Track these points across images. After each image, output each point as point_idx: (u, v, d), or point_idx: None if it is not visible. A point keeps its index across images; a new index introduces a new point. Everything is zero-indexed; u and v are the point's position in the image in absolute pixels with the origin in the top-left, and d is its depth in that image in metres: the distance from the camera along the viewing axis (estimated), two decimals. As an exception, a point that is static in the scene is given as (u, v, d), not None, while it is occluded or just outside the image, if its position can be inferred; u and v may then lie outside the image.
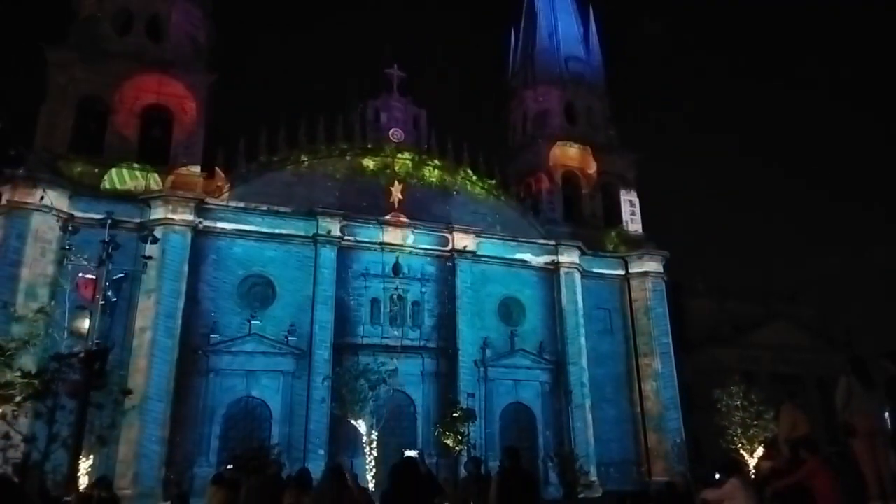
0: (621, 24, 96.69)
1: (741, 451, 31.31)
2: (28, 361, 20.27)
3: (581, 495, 28.67)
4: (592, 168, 42.11)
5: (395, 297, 33.45)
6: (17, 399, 18.43)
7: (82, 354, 16.05)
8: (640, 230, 41.53)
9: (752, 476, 21.14)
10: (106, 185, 30.19)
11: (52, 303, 24.26)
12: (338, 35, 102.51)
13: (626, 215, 41.86)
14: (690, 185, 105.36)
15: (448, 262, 35.18)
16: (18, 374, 18.55)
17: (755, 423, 31.69)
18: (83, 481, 19.28)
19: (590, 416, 34.99)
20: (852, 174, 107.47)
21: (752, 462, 29.97)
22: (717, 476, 11.67)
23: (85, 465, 21.82)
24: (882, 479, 7.41)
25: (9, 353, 18.87)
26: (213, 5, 37.80)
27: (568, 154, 41.81)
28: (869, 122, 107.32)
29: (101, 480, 14.48)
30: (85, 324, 17.52)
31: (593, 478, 32.45)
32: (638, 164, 43.80)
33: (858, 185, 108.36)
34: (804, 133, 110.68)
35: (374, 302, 33.35)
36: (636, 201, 42.53)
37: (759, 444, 30.35)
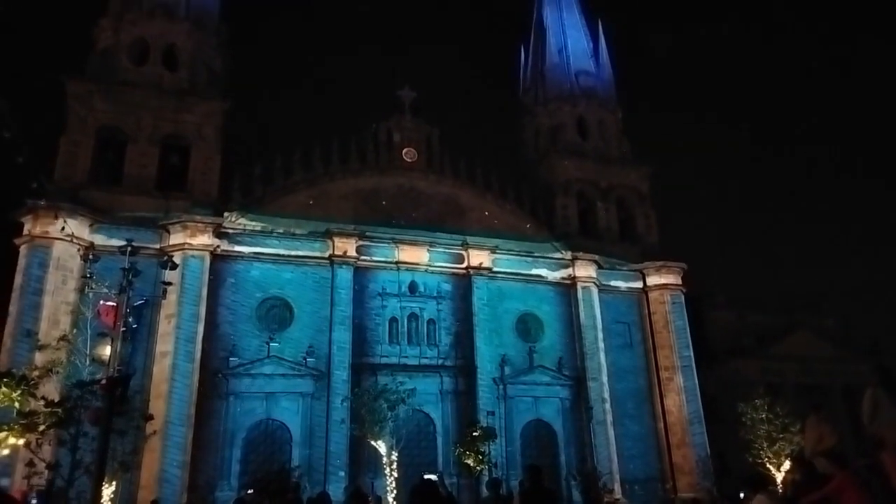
0: (631, 37, 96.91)
1: (768, 465, 30.73)
2: (51, 389, 20.52)
3: (605, 513, 28.26)
4: (606, 182, 42.05)
5: (411, 315, 33.47)
6: (41, 427, 18.62)
7: (104, 381, 16.20)
8: (657, 242, 41.28)
9: (780, 491, 20.73)
10: (125, 213, 30.65)
11: (74, 330, 24.58)
12: (349, 58, 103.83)
13: (641, 228, 41.68)
14: (707, 197, 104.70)
15: (464, 279, 35.17)
16: (42, 402, 18.77)
17: (781, 436, 31.12)
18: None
19: (612, 432, 34.56)
20: (873, 181, 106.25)
21: (779, 476, 29.41)
22: (742, 495, 11.48)
23: (108, 491, 21.96)
24: (913, 492, 7.23)
25: (32, 381, 19.12)
26: (227, 33, 38.53)
27: (581, 168, 41.79)
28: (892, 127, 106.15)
29: None
30: (106, 350, 17.70)
31: (618, 496, 31.97)
32: (652, 177, 43.66)
33: (881, 192, 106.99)
34: (822, 141, 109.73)
35: (392, 321, 33.39)
36: (652, 214, 42.34)
37: (786, 458, 29.77)
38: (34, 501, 15.79)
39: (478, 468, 28.54)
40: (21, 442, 18.56)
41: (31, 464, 19.11)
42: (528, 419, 34.22)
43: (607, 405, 34.96)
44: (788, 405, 32.69)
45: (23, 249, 28.20)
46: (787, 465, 29.07)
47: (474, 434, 29.23)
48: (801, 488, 10.17)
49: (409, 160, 37.04)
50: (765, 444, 31.38)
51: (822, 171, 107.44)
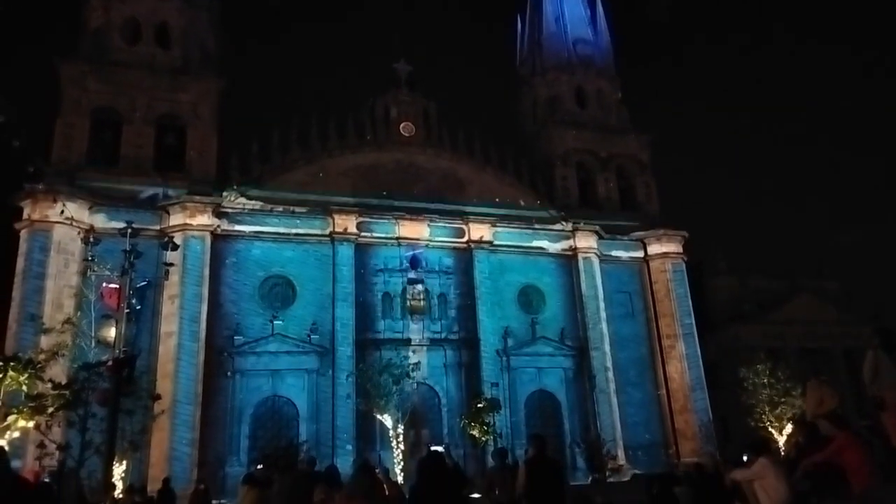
0: (630, 3, 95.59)
1: (770, 429, 31.08)
2: (58, 372, 20.70)
3: (610, 479, 28.60)
4: (606, 151, 41.81)
5: (414, 290, 33.58)
6: (50, 410, 18.81)
7: (110, 362, 16.34)
8: (658, 211, 41.20)
9: (782, 454, 20.99)
10: (123, 195, 30.58)
11: (78, 313, 24.71)
12: (344, 32, 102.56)
13: (642, 197, 41.56)
14: (707, 164, 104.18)
15: (465, 253, 35.21)
16: (49, 385, 18.93)
17: (783, 399, 31.44)
18: (118, 486, 19.65)
19: (615, 400, 34.92)
20: (876, 146, 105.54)
21: (781, 439, 29.76)
22: (745, 458, 11.61)
23: (119, 470, 22.25)
24: (913, 452, 7.32)
25: (39, 365, 19.26)
26: (219, 10, 38.01)
27: (580, 138, 41.53)
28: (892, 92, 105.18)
29: (132, 488, 14.80)
30: (111, 332, 17.83)
31: (621, 461, 32.37)
32: (652, 145, 43.39)
33: (882, 157, 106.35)
34: (823, 107, 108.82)
35: (394, 297, 33.50)
36: (652, 182, 42.17)
37: (788, 421, 30.11)
38: (47, 481, 16.04)
39: (483, 439, 28.91)
40: (31, 424, 18.77)
41: (41, 445, 19.37)
42: (532, 389, 34.55)
43: (610, 374, 35.27)
44: (790, 369, 32.97)
45: (23, 234, 28.21)
46: (788, 428, 29.42)
47: (479, 405, 29.57)
48: (803, 450, 10.29)
49: (406, 135, 36.82)
50: (766, 409, 31.71)
51: (824, 134, 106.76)
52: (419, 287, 33.69)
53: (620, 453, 32.91)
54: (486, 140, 38.46)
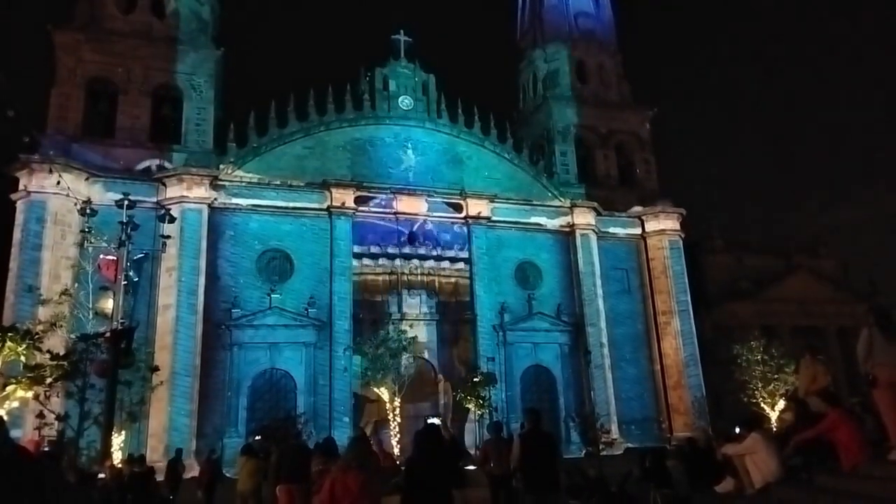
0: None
1: (762, 405, 31.42)
2: (56, 342, 20.76)
3: (603, 453, 28.99)
4: (606, 127, 41.56)
5: (412, 266, 33.60)
6: (49, 380, 18.91)
7: (108, 334, 16.39)
8: (656, 188, 41.10)
9: (774, 430, 21.25)
10: (120, 166, 30.41)
11: (76, 285, 24.72)
12: (342, 3, 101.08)
13: (641, 173, 41.41)
14: (707, 141, 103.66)
15: (463, 228, 35.16)
16: (48, 355, 19.00)
17: (776, 376, 31.71)
18: (117, 456, 19.85)
19: (610, 376, 35.22)
20: (873, 123, 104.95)
21: (773, 415, 30.11)
22: (738, 430, 11.76)
23: (117, 440, 22.47)
24: (903, 428, 7.42)
25: (37, 336, 19.31)
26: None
27: (580, 114, 41.26)
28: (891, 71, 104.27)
29: (132, 457, 14.96)
30: (109, 304, 17.85)
31: (615, 436, 32.77)
32: (652, 121, 43.13)
33: (879, 134, 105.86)
34: (822, 84, 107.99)
35: (392, 271, 33.51)
36: (651, 159, 42.00)
37: (780, 398, 30.42)
38: (46, 449, 16.19)
39: (479, 412, 29.18)
40: (30, 394, 18.89)
41: (40, 415, 19.51)
42: (528, 364, 34.80)
43: (605, 349, 35.51)
44: (784, 347, 33.18)
45: (19, 205, 28.07)
46: (781, 404, 29.73)
47: (475, 380, 29.80)
48: (795, 426, 10.42)
49: (405, 108, 36.50)
50: (759, 385, 32.00)
51: (823, 113, 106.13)
52: (417, 262, 33.73)
53: (614, 427, 33.29)
54: (486, 114, 38.19)
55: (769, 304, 42.61)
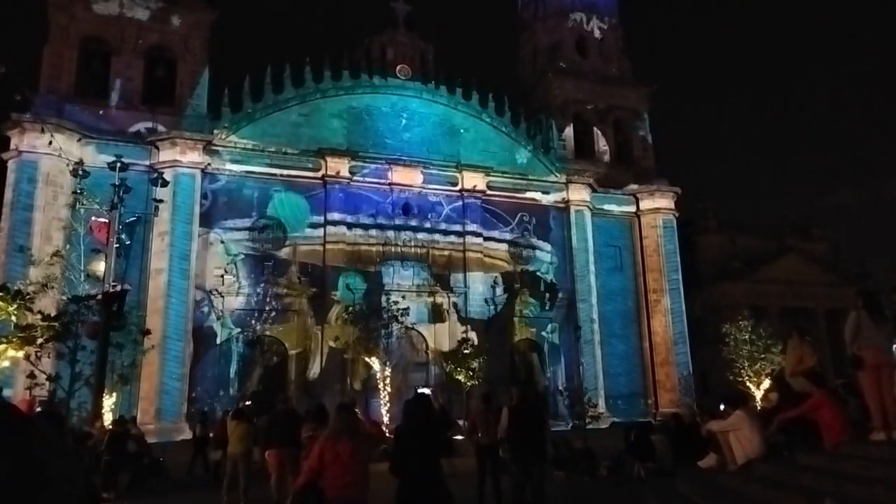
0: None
1: (748, 384, 31.80)
2: (48, 304, 20.68)
3: (589, 426, 29.41)
4: (605, 103, 41.27)
5: (405, 237, 33.55)
6: (39, 341, 18.88)
7: (100, 296, 16.36)
8: (653, 166, 41.01)
9: (759, 408, 21.56)
10: (113, 127, 30.05)
11: (67, 246, 24.57)
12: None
13: (638, 151, 41.28)
14: (705, 119, 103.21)
15: (458, 201, 35.05)
16: (39, 316, 18.96)
17: (763, 356, 32.04)
18: (107, 417, 19.97)
19: (599, 351, 35.57)
20: (868, 106, 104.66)
21: (758, 394, 30.51)
22: (722, 407, 11.93)
23: (108, 402, 22.55)
24: (885, 410, 7.55)
25: (28, 296, 19.23)
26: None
27: (580, 89, 40.93)
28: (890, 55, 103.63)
29: (121, 419, 15.06)
30: (101, 266, 17.80)
31: (602, 410, 33.18)
32: (651, 98, 42.85)
33: (874, 118, 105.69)
34: (819, 65, 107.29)
35: (385, 242, 33.44)
36: (649, 136, 41.84)
37: (766, 377, 30.80)
38: (39, 410, 16.25)
39: (468, 384, 29.46)
40: (20, 354, 18.87)
41: (31, 376, 19.49)
42: (519, 338, 35.04)
43: (595, 325, 35.79)
44: (772, 327, 33.49)
45: (11, 164, 27.79)
46: (766, 383, 30.12)
47: (465, 352, 30.01)
48: (779, 405, 10.58)
49: (403, 77, 36.07)
50: (746, 364, 32.34)
51: (819, 95, 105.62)
52: (411, 234, 33.68)
53: (601, 402, 33.69)
54: (484, 86, 37.81)
55: (760, 285, 42.92)
